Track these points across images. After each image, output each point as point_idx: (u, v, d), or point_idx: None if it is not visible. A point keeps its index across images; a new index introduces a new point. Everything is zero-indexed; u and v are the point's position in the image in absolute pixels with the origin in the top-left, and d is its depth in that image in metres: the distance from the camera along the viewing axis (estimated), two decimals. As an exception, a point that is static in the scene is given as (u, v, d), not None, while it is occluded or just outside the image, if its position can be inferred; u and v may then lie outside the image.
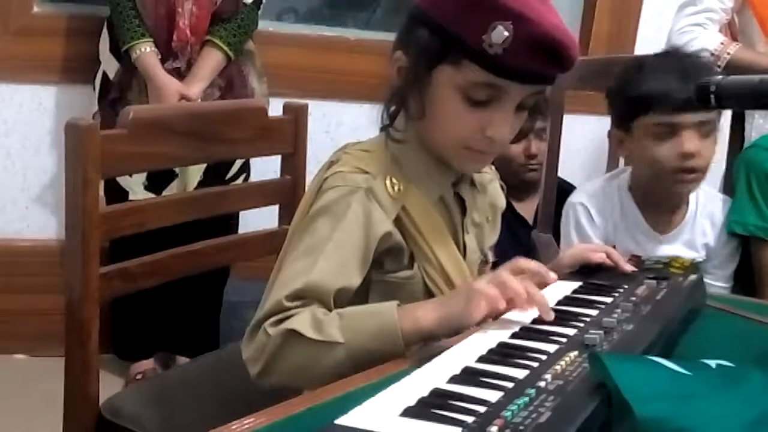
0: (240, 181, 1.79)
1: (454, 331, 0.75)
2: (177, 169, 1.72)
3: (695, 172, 1.25)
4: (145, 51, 1.69)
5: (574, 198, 1.36)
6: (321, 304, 0.79)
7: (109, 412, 0.97)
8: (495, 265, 0.98)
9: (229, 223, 1.72)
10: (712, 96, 0.71)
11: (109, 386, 1.07)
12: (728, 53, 1.58)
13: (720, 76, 0.72)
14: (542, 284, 0.82)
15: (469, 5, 0.78)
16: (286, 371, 0.76)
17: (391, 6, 2.22)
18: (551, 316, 0.74)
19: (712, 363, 0.63)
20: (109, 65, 1.76)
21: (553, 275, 0.84)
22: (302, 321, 0.76)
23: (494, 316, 0.75)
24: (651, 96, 1.21)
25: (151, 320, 1.89)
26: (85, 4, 1.97)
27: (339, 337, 0.75)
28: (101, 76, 1.77)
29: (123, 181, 1.70)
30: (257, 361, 0.78)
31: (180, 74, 1.73)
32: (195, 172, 1.73)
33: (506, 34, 0.76)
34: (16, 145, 1.94)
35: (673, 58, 1.27)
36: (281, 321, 0.77)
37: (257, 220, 1.37)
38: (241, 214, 1.74)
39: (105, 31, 1.78)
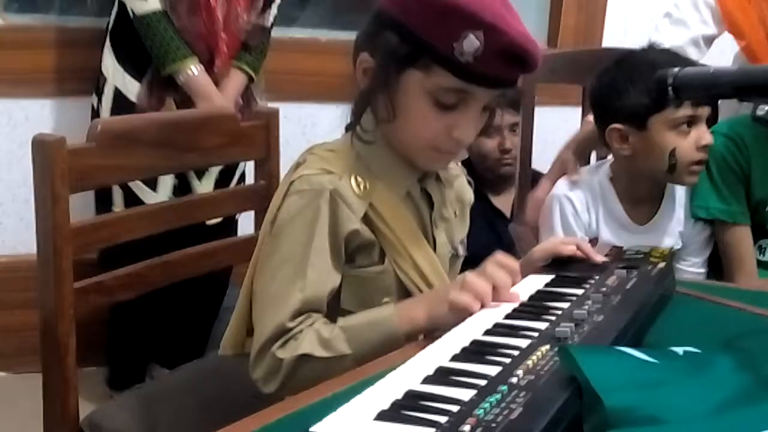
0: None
1: (440, 327, 0.80)
2: (192, 182, 1.70)
3: (705, 163, 1.28)
4: (196, 72, 1.64)
5: (558, 190, 1.37)
6: (318, 312, 0.83)
7: (89, 427, 0.97)
8: (473, 258, 0.99)
9: (231, 225, 1.71)
10: (670, 88, 0.72)
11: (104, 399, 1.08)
12: None
13: (676, 68, 0.74)
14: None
15: (440, 14, 0.79)
16: (299, 387, 0.78)
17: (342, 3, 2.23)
18: (516, 300, 0.80)
19: (680, 350, 0.65)
20: (125, 83, 1.68)
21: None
22: (310, 343, 0.80)
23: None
24: None
25: (148, 336, 1.86)
26: (54, 15, 1.95)
27: (347, 350, 0.81)
28: (113, 93, 1.69)
29: (141, 195, 1.66)
30: (271, 382, 0.82)
31: None
32: (211, 179, 1.71)
33: (477, 43, 0.78)
34: (-11, 160, 1.92)
35: (673, 54, 1.27)
36: (287, 342, 0.81)
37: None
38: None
39: (108, 45, 1.70)
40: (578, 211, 1.33)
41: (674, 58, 1.25)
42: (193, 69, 1.65)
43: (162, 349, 1.90)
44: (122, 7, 1.66)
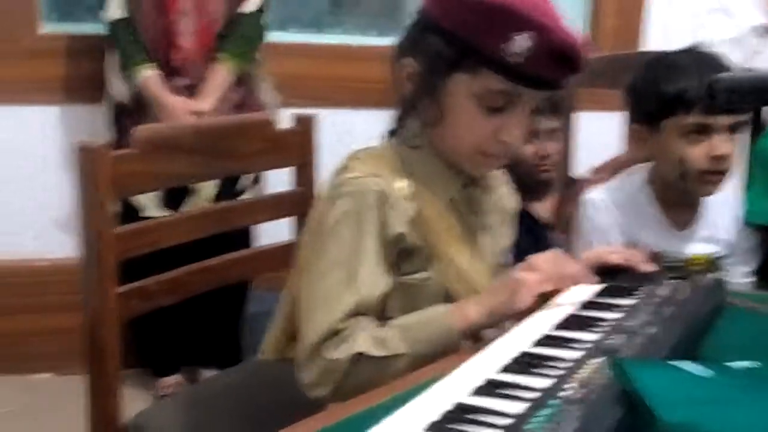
0: (254, 189, 1.79)
1: (502, 321, 0.79)
2: (203, 189, 1.71)
3: (722, 174, 1.23)
4: (147, 75, 1.68)
5: (590, 195, 1.35)
6: (370, 314, 0.82)
7: (132, 430, 0.98)
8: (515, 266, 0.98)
9: (247, 236, 1.72)
10: (722, 93, 0.70)
11: (142, 402, 1.08)
12: None
13: (729, 73, 0.71)
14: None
15: (488, 16, 0.79)
16: (354, 390, 0.77)
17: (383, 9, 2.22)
18: (594, 279, 0.81)
19: (739, 365, 0.62)
20: (118, 88, 1.75)
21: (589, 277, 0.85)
22: (365, 342, 0.79)
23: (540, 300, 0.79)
24: (688, 96, 1.17)
25: (176, 335, 1.89)
26: (91, 24, 1.99)
27: (402, 349, 0.79)
28: (110, 98, 1.76)
29: (134, 200, 1.70)
30: (322, 385, 0.80)
31: (190, 91, 1.72)
32: (211, 185, 1.72)
33: (528, 43, 0.77)
34: (28, 166, 1.96)
35: (702, 56, 1.23)
36: (339, 344, 0.79)
37: (271, 233, 1.36)
38: (256, 227, 1.73)
39: (107, 49, 1.77)
40: (611, 214, 1.30)
41: (701, 59, 1.21)
42: (145, 74, 1.67)
43: (198, 351, 1.92)
44: None
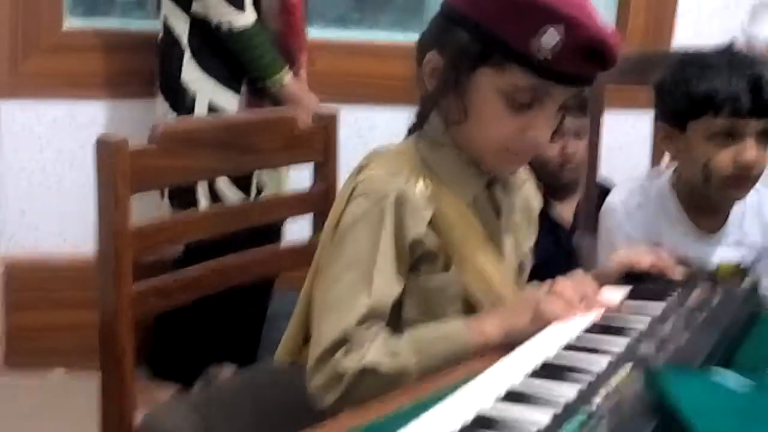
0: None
1: (518, 342, 0.76)
2: (266, 178, 1.69)
3: (748, 181, 1.19)
4: (288, 81, 1.64)
5: (612, 198, 1.31)
6: (382, 320, 0.80)
7: (144, 429, 0.96)
8: (533, 267, 0.95)
9: (275, 229, 1.69)
10: (763, 91, 0.67)
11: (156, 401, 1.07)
12: None
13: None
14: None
15: (516, 8, 0.76)
16: (361, 399, 0.75)
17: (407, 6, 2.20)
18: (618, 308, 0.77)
19: (778, 376, 0.59)
20: (221, 97, 1.63)
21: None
22: (377, 353, 0.78)
23: None
24: (718, 98, 1.13)
25: (201, 340, 1.85)
26: (116, 19, 1.99)
27: (414, 362, 0.78)
28: (208, 109, 1.64)
29: (225, 188, 1.64)
30: (329, 392, 0.78)
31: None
32: (285, 177, 1.71)
33: (557, 38, 0.75)
34: (50, 160, 1.96)
35: (735, 57, 1.17)
36: (351, 350, 0.78)
37: (295, 230, 1.35)
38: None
39: (191, 59, 1.63)
40: (634, 219, 1.26)
41: (734, 60, 1.15)
42: (288, 78, 1.64)
43: (218, 348, 1.91)
44: (196, 20, 1.62)
